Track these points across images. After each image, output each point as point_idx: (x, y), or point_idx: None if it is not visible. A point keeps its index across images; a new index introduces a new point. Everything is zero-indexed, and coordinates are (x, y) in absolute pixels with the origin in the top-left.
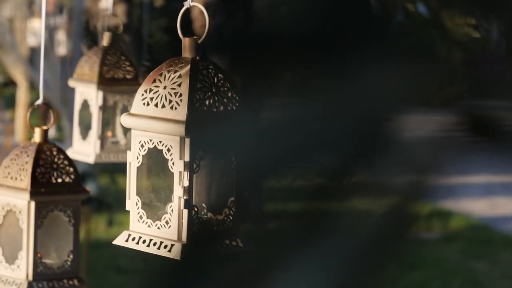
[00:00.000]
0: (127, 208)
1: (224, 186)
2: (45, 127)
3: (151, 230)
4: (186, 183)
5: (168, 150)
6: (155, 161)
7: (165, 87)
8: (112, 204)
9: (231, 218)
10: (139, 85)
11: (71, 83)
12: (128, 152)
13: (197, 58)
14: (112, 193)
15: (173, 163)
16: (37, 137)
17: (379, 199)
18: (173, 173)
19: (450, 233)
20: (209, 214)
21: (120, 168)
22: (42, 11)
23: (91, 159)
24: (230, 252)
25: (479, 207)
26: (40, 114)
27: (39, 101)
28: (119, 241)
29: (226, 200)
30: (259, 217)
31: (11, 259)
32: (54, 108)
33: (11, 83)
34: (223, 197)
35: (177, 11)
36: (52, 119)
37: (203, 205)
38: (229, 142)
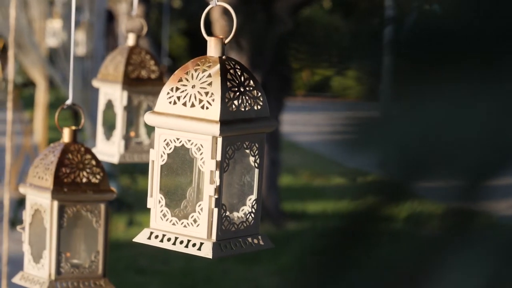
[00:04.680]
0: (148, 206)
1: (244, 184)
2: (73, 127)
3: (176, 228)
4: (218, 182)
5: (198, 149)
6: (173, 159)
7: (193, 86)
8: (132, 205)
9: (252, 216)
10: (164, 85)
11: (95, 83)
12: (151, 150)
13: (224, 57)
14: (132, 194)
15: (203, 162)
16: (65, 137)
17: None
18: (193, 172)
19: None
20: (228, 213)
21: (140, 169)
22: (72, 12)
23: (115, 159)
24: (252, 250)
25: (500, 208)
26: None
27: (68, 101)
28: (141, 238)
29: (245, 198)
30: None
31: (37, 258)
32: (82, 109)
33: (30, 84)
34: (243, 195)
35: (194, 13)
36: (82, 120)
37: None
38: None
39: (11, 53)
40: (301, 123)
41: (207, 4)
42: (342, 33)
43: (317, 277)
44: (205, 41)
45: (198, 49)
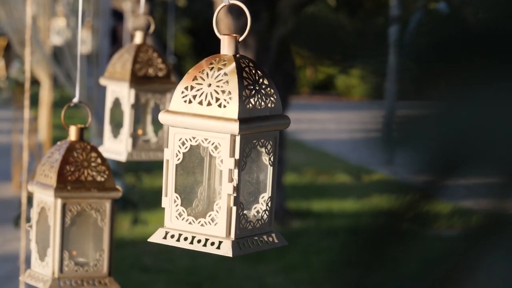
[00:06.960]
0: (163, 205)
1: (257, 182)
2: (80, 126)
3: (192, 227)
4: (236, 181)
5: (216, 147)
6: (186, 158)
7: (209, 85)
8: (137, 203)
9: (267, 214)
10: (171, 83)
11: (103, 81)
12: (165, 149)
13: (238, 55)
14: (137, 192)
15: (221, 161)
16: (71, 135)
17: None
18: (204, 170)
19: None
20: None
21: (144, 167)
22: (79, 9)
23: (123, 157)
24: (268, 247)
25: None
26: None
27: (75, 99)
28: (156, 238)
29: (258, 196)
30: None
31: (43, 256)
32: (89, 107)
33: (34, 82)
34: (257, 193)
35: (198, 12)
36: (89, 118)
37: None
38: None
39: (27, 51)
40: (306, 121)
41: (211, 3)
42: (347, 31)
43: (322, 275)
44: (209, 40)
45: (202, 47)
